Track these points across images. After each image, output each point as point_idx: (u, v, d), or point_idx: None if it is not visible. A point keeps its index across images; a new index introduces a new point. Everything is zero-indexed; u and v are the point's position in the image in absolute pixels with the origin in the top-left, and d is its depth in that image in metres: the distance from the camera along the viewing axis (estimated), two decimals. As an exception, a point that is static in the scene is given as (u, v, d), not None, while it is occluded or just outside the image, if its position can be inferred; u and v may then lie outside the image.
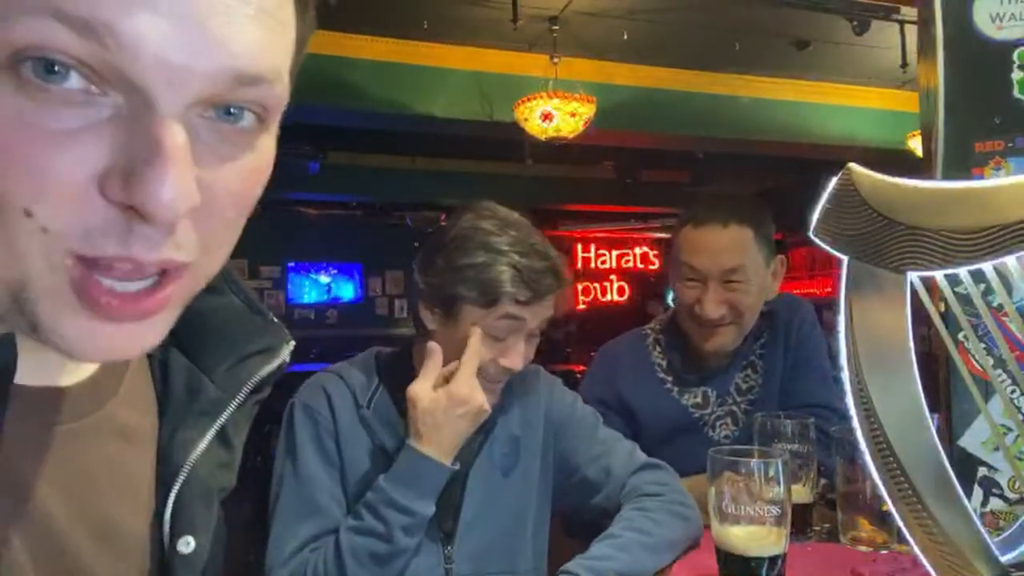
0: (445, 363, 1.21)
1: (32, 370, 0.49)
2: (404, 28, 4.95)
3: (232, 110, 0.44)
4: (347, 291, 10.43)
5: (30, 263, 0.40)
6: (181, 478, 0.60)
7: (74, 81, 0.38)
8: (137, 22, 0.37)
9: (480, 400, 1.16)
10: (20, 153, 0.38)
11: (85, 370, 0.56)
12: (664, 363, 1.68)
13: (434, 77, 5.26)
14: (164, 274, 0.43)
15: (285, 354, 0.67)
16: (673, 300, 1.67)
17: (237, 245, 0.50)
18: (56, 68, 0.38)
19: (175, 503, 0.60)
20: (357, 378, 1.27)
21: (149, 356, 0.62)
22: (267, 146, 0.48)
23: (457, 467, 1.18)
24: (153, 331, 0.45)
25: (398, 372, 1.28)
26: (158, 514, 0.60)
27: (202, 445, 0.61)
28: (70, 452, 0.54)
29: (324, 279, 10.36)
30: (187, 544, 0.60)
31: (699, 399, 1.63)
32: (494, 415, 1.27)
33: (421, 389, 1.16)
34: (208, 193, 0.42)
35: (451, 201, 8.68)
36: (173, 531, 0.60)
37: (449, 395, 1.14)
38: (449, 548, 1.20)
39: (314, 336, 10.00)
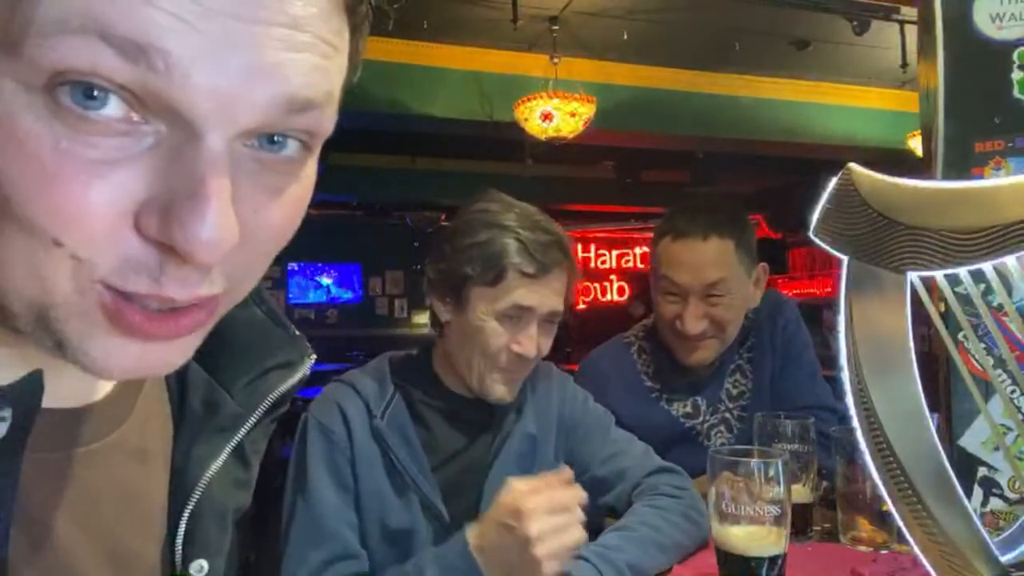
0: (459, 352, 1.21)
1: (49, 394, 0.45)
2: (404, 28, 4.95)
3: (277, 138, 0.40)
4: (347, 291, 10.43)
5: (57, 287, 0.38)
6: (195, 497, 0.57)
7: (114, 107, 0.35)
8: (190, 46, 0.34)
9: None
10: (54, 182, 0.35)
11: (100, 391, 0.53)
12: (650, 371, 1.64)
13: (434, 77, 5.27)
14: (196, 303, 0.41)
15: (305, 369, 0.64)
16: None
17: None
18: (96, 94, 0.34)
19: (188, 524, 0.57)
20: (370, 387, 1.23)
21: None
22: (310, 174, 0.45)
23: (512, 406, 1.20)
24: (181, 351, 0.43)
25: (413, 378, 1.26)
26: (170, 537, 0.57)
27: (218, 462, 0.58)
28: (84, 477, 0.51)
29: (324, 279, 10.36)
30: (200, 569, 0.58)
31: (689, 408, 1.59)
32: (511, 413, 1.27)
33: (530, 502, 0.98)
34: (247, 228, 0.39)
35: (451, 201, 8.68)
36: (186, 555, 0.57)
37: (534, 539, 0.96)
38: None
39: (314, 336, 9.96)
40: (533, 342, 1.19)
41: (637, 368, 1.65)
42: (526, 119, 4.77)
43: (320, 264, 10.26)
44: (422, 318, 10.50)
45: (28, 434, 0.42)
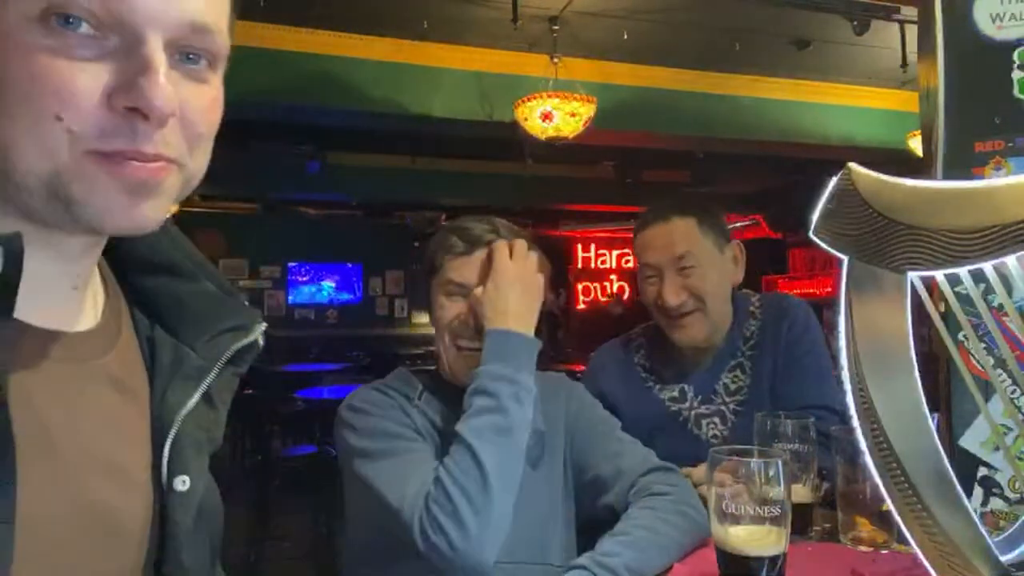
0: (438, 344, 1.35)
1: (43, 316, 0.62)
2: (404, 28, 4.96)
3: (191, 55, 0.61)
4: (347, 291, 10.43)
5: (59, 157, 0.56)
6: (173, 430, 0.69)
7: (84, 28, 0.55)
8: None
9: (531, 268, 1.30)
10: (52, 75, 0.55)
11: (87, 321, 0.67)
12: (647, 363, 1.73)
13: (434, 77, 5.27)
14: (160, 161, 0.60)
15: (258, 332, 0.78)
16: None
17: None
18: (70, 20, 0.55)
19: (170, 451, 0.69)
20: (399, 385, 1.35)
21: (137, 332, 0.73)
22: (217, 84, 0.64)
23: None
24: (155, 209, 0.61)
25: (433, 382, 1.37)
26: (156, 460, 0.69)
27: (191, 403, 0.71)
28: (75, 392, 0.64)
29: (324, 279, 10.37)
30: (183, 483, 0.69)
31: (676, 393, 1.66)
32: None
33: (476, 290, 1.29)
34: (182, 108, 0.59)
35: (451, 201, 8.69)
36: (170, 472, 0.69)
37: (495, 276, 1.27)
38: None
39: (314, 336, 10.00)
40: (464, 307, 1.33)
41: (634, 359, 1.75)
42: (526, 119, 4.77)
43: (320, 264, 10.27)
44: (422, 318, 10.50)
45: (20, 274, 0.55)
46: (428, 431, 1.29)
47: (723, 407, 1.63)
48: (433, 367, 1.43)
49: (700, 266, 1.58)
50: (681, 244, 1.59)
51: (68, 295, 0.66)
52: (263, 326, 0.78)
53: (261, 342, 0.78)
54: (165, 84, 0.56)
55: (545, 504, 1.32)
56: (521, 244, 1.31)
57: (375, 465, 1.22)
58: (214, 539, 0.76)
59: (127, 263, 0.74)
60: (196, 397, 0.71)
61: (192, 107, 0.61)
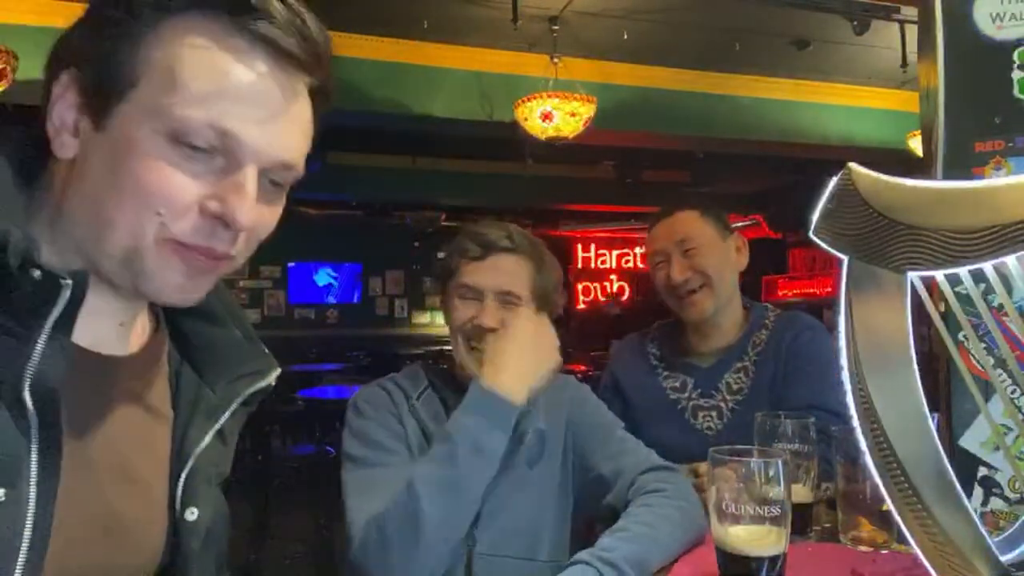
0: (453, 340, 1.40)
1: (93, 341, 0.72)
2: (404, 28, 4.95)
3: (274, 182, 0.73)
4: (347, 291, 10.43)
5: (147, 239, 0.67)
6: (190, 464, 0.78)
7: (199, 148, 0.67)
8: (247, 130, 0.68)
9: (547, 332, 1.33)
10: (164, 181, 0.66)
11: (132, 347, 0.78)
12: (657, 352, 1.87)
13: (434, 77, 5.27)
14: (222, 257, 0.72)
15: (272, 377, 0.87)
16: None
17: None
18: (195, 147, 0.67)
19: (185, 482, 0.77)
20: (406, 382, 1.43)
21: (168, 366, 0.82)
22: (283, 202, 0.77)
23: (526, 407, 1.28)
24: (203, 290, 0.73)
25: (442, 376, 1.45)
26: (172, 488, 0.78)
27: (206, 440, 0.79)
28: (111, 409, 0.74)
29: (324, 279, 10.36)
30: (192, 513, 0.78)
31: (677, 384, 1.78)
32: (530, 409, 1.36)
33: (489, 335, 1.33)
34: (255, 224, 0.71)
35: (451, 201, 8.69)
36: (182, 503, 0.77)
37: (507, 331, 1.30)
38: (474, 529, 1.25)
39: (314, 336, 10.00)
40: (489, 313, 1.36)
41: (648, 348, 1.89)
42: (526, 119, 4.77)
43: (320, 264, 10.26)
44: (422, 318, 10.51)
45: (80, 305, 0.66)
46: (417, 438, 1.34)
47: (722, 403, 1.72)
48: (445, 365, 1.49)
49: (702, 247, 1.74)
50: (683, 230, 1.76)
51: (117, 329, 0.76)
52: (277, 371, 0.88)
53: (273, 384, 0.87)
54: (252, 206, 0.69)
55: (535, 502, 1.34)
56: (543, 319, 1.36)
57: (350, 472, 1.29)
58: (220, 557, 0.85)
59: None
60: (211, 435, 0.80)
61: (263, 223, 0.73)
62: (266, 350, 0.89)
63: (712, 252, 1.75)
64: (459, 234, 1.44)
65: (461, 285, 1.38)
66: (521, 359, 1.27)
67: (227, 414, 0.81)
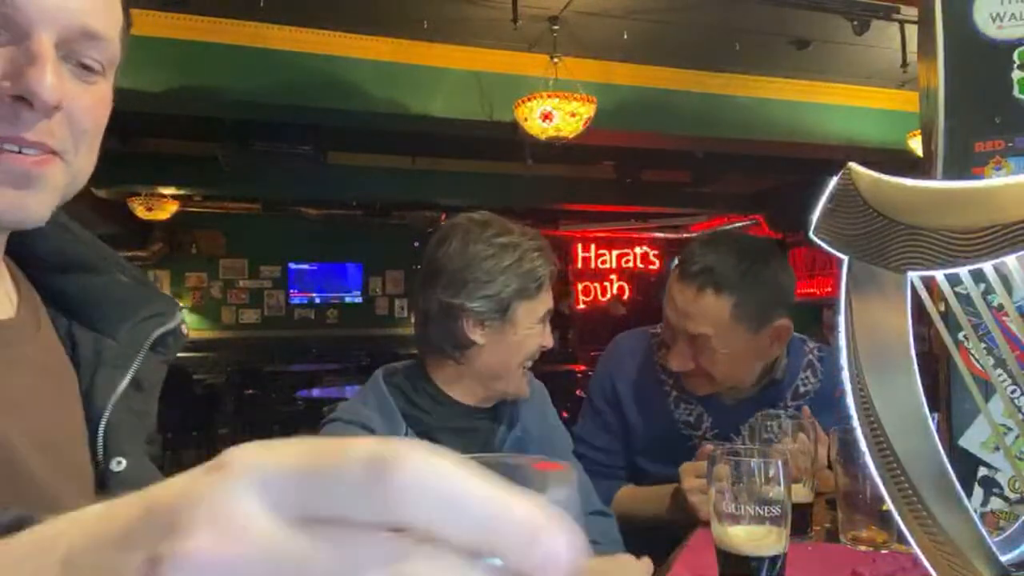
0: (500, 366, 1.28)
1: None
2: (404, 28, 4.95)
3: (84, 64, 0.63)
4: (347, 291, 10.42)
5: None
6: (106, 414, 0.72)
7: None
8: None
9: None
10: None
11: (5, 310, 0.70)
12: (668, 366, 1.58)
13: (434, 77, 5.27)
14: (44, 151, 0.62)
15: (179, 318, 0.80)
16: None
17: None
18: None
19: (104, 433, 0.72)
20: (380, 423, 1.25)
21: (56, 328, 0.75)
22: (106, 86, 0.68)
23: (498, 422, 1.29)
24: (40, 204, 0.63)
25: (420, 402, 1.29)
26: (91, 443, 0.72)
27: (120, 388, 0.73)
28: (7, 377, 0.66)
29: (324, 279, 10.36)
30: (119, 463, 0.72)
31: (692, 418, 1.53)
32: (505, 420, 1.35)
33: None
34: (69, 103, 0.62)
35: (451, 201, 8.68)
36: (106, 454, 0.72)
37: None
38: None
39: (314, 336, 10.00)
40: (550, 335, 1.33)
41: (654, 360, 1.59)
42: (526, 119, 4.77)
43: (320, 264, 10.26)
44: (422, 318, 10.51)
45: None
46: None
47: (739, 448, 1.52)
48: (416, 378, 1.33)
49: (714, 351, 1.40)
50: (698, 325, 1.40)
51: None
52: (181, 312, 0.81)
53: (184, 330, 0.81)
54: (52, 75, 0.59)
55: None
56: None
57: None
58: None
59: (36, 265, 0.75)
60: (125, 382, 0.74)
61: (79, 103, 0.64)
62: (163, 292, 0.83)
63: (726, 354, 1.41)
64: (522, 248, 1.27)
65: (549, 309, 1.29)
66: None
67: (138, 360, 0.75)
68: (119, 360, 0.75)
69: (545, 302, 1.29)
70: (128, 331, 0.76)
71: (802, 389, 1.52)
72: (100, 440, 0.72)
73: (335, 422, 1.25)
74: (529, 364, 1.31)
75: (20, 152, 0.60)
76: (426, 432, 1.26)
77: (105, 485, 0.71)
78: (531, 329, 1.28)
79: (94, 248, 0.77)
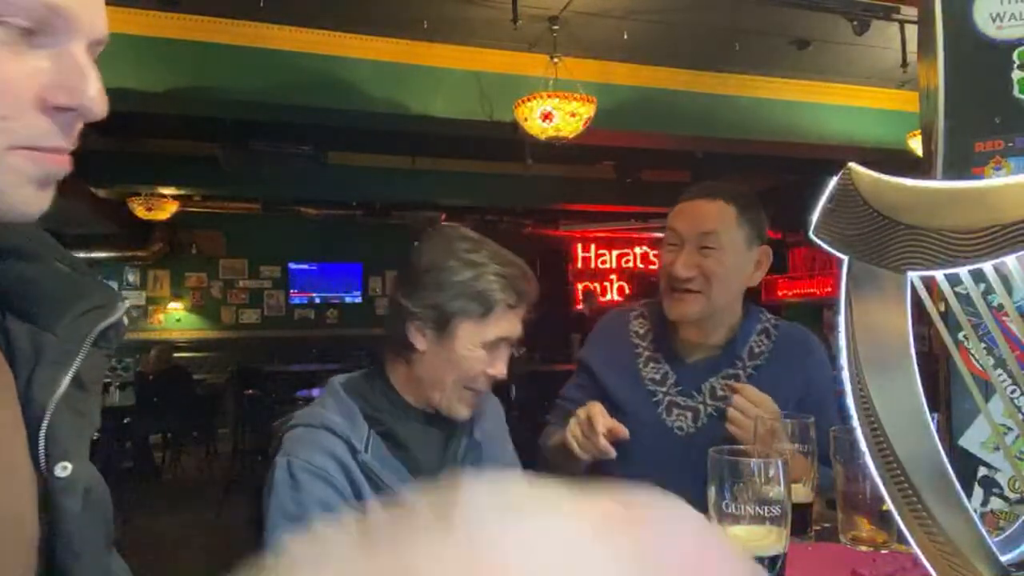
0: (436, 378, 1.28)
1: None
2: (404, 28, 4.95)
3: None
4: (347, 291, 10.43)
5: None
6: (47, 417, 0.67)
7: (25, 31, 0.57)
8: (73, 2, 0.60)
9: None
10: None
11: None
12: (641, 331, 1.72)
13: (434, 77, 5.27)
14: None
15: (122, 310, 0.76)
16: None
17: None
18: (22, 27, 0.57)
19: (46, 437, 0.67)
20: (344, 425, 1.25)
21: None
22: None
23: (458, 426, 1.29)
24: (49, 197, 0.63)
25: (380, 404, 1.29)
26: (32, 448, 0.66)
27: (61, 388, 0.68)
28: None
29: (324, 279, 10.36)
30: (64, 468, 0.67)
31: (658, 375, 1.64)
32: (466, 425, 1.36)
33: None
34: None
35: (451, 201, 8.69)
36: (48, 459, 0.67)
37: None
38: None
39: (314, 336, 10.01)
40: (505, 366, 1.31)
41: (630, 326, 1.75)
42: (526, 119, 4.77)
43: (320, 264, 10.27)
44: (422, 318, 10.51)
45: None
46: (367, 494, 1.20)
47: (700, 406, 1.60)
48: (372, 379, 1.34)
49: (722, 250, 1.57)
50: (711, 222, 1.58)
51: None
52: (126, 304, 0.77)
53: (126, 321, 0.77)
54: (101, 88, 0.61)
55: None
56: None
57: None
58: (107, 524, 0.74)
59: None
60: (66, 381, 0.69)
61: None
62: (104, 282, 0.78)
63: (729, 259, 1.58)
64: (484, 268, 1.27)
65: (499, 337, 1.28)
66: None
67: (80, 357, 0.70)
68: (59, 356, 0.70)
69: (496, 329, 1.26)
70: (68, 324, 0.71)
71: (756, 350, 1.64)
72: (41, 444, 0.67)
73: (297, 428, 1.25)
74: (475, 386, 1.28)
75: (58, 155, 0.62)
76: (388, 433, 1.27)
77: (51, 490, 0.67)
78: (472, 351, 1.26)
79: (29, 233, 0.72)
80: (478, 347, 1.26)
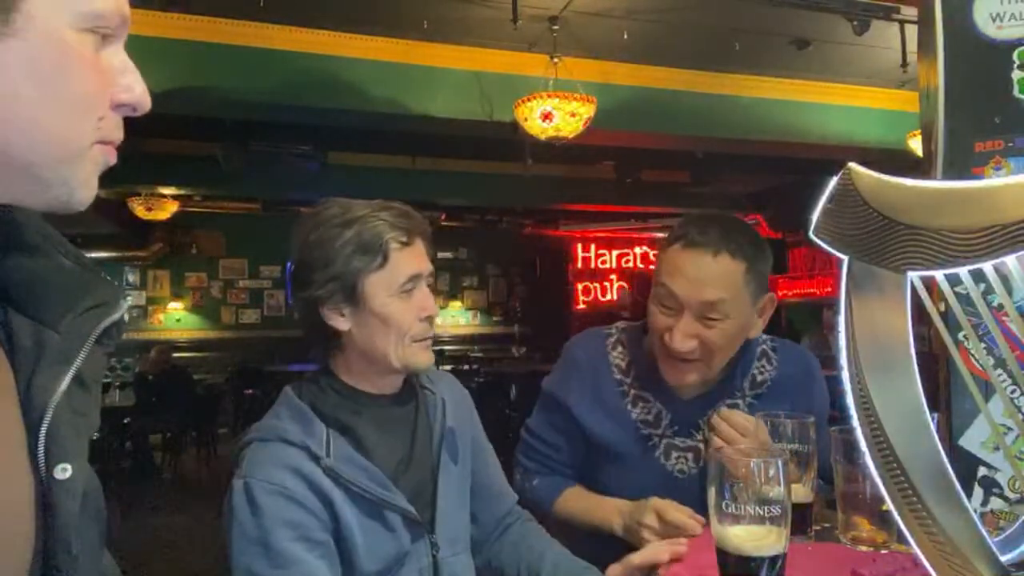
0: (374, 348, 1.21)
1: None
2: (404, 28, 4.95)
3: None
4: (347, 291, 10.41)
5: (85, 145, 0.63)
6: (47, 418, 0.66)
7: (105, 36, 0.63)
8: (122, 5, 0.65)
9: None
10: (97, 78, 0.63)
11: None
12: (623, 364, 1.52)
13: (434, 77, 5.27)
14: None
15: (124, 308, 0.75)
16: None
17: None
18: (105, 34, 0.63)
19: (47, 438, 0.66)
20: (298, 432, 1.19)
21: None
22: None
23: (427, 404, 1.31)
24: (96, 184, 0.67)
25: (332, 401, 1.25)
26: (32, 449, 0.65)
27: (62, 388, 0.67)
28: None
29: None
30: (64, 470, 0.66)
31: (650, 416, 1.48)
32: (435, 411, 1.34)
33: None
34: None
35: (451, 201, 8.69)
36: (48, 461, 0.65)
37: None
38: (433, 536, 1.25)
39: (314, 336, 9.99)
40: (431, 300, 1.26)
41: (610, 360, 1.53)
42: (526, 119, 4.77)
43: (320, 264, 10.25)
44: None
45: None
46: (340, 500, 1.15)
47: (700, 444, 1.46)
48: (320, 378, 1.28)
49: (727, 320, 1.35)
50: (717, 290, 1.33)
51: None
52: (128, 302, 0.77)
53: (126, 318, 0.76)
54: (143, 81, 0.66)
55: (464, 494, 1.36)
56: None
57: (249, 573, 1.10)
58: (101, 524, 0.74)
59: None
60: (67, 381, 0.68)
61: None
62: (107, 278, 0.77)
63: (732, 325, 1.36)
64: (365, 218, 1.21)
65: (408, 277, 1.21)
66: None
67: (82, 355, 0.69)
68: (61, 355, 0.68)
69: (401, 271, 1.20)
70: (71, 322, 0.69)
71: (759, 377, 1.50)
72: (41, 445, 0.65)
73: (252, 443, 1.21)
74: (418, 336, 1.22)
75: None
76: (346, 428, 1.21)
77: (50, 492, 0.65)
78: (390, 303, 1.20)
79: (35, 227, 0.71)
80: (394, 296, 1.20)
